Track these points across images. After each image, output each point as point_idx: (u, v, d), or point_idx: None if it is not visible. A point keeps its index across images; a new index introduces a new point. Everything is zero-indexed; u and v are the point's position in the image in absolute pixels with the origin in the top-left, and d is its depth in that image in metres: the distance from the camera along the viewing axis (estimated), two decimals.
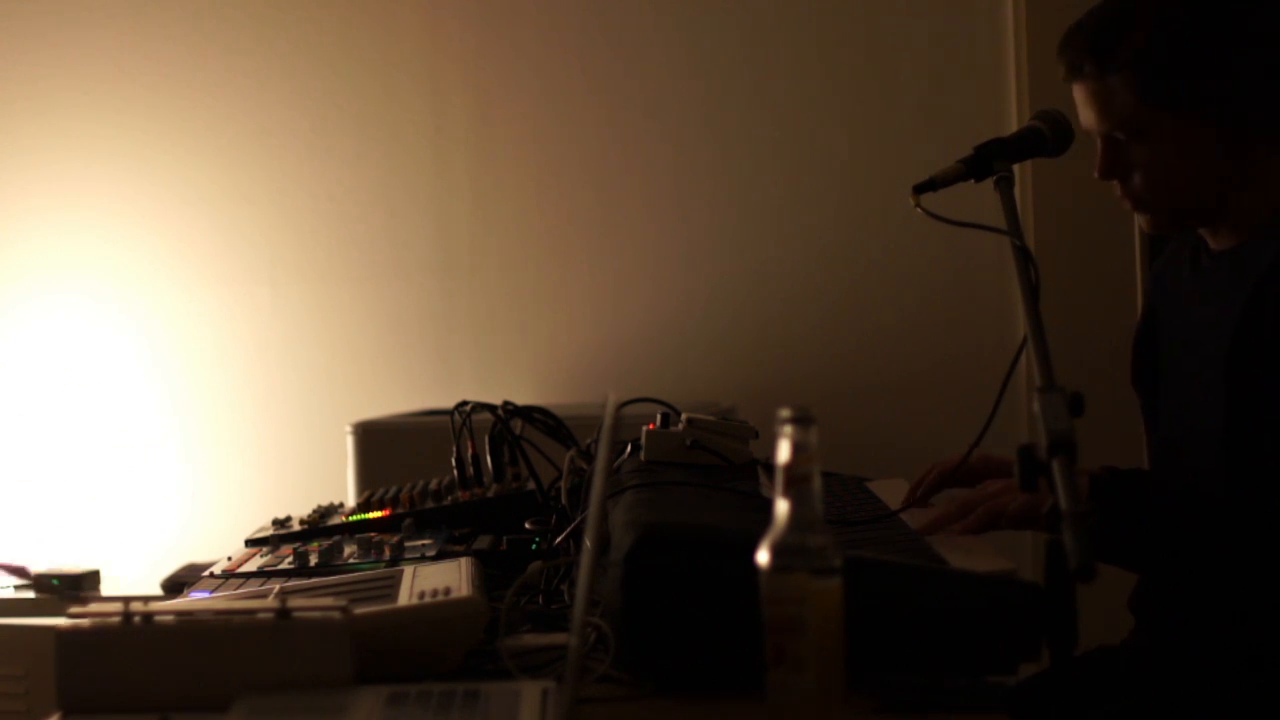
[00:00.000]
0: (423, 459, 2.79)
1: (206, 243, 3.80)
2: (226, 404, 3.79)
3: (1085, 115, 2.09)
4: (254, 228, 3.79)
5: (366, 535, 2.26)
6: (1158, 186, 2.07)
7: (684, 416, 2.25)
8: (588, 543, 1.38)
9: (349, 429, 3.18)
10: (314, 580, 1.95)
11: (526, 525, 2.22)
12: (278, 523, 2.47)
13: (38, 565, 3.45)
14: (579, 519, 2.04)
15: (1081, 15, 2.11)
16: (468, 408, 2.47)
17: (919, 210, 1.99)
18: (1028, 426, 3.22)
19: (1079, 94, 2.09)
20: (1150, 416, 2.26)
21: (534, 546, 2.15)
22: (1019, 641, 1.54)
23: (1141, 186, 2.07)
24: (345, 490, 3.13)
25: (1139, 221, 2.16)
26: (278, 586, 1.91)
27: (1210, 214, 2.10)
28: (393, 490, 2.49)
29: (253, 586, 2.00)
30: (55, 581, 3.38)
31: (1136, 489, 2.07)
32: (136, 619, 1.48)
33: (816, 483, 1.33)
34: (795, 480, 1.33)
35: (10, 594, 3.38)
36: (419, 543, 2.17)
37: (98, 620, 1.49)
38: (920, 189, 2.02)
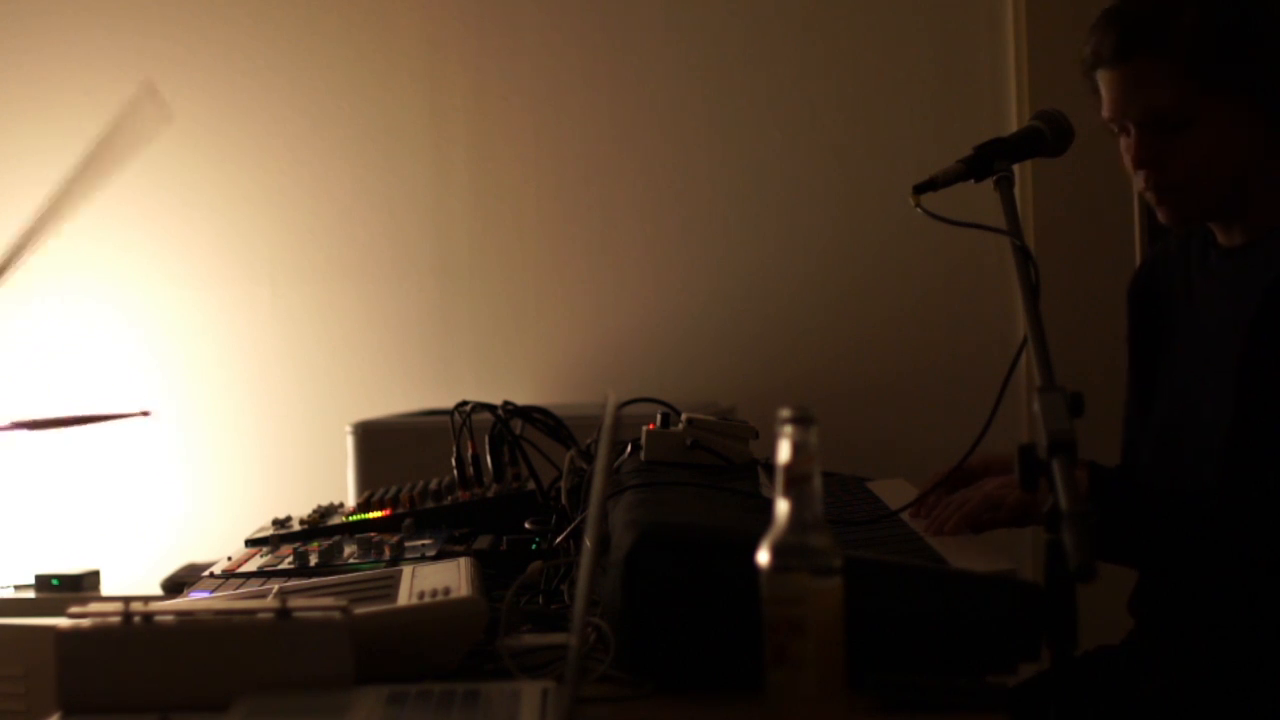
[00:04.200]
0: (423, 459, 2.79)
1: (206, 243, 3.80)
2: (227, 404, 3.79)
3: (1121, 102, 2.07)
4: (254, 228, 3.79)
5: (366, 535, 2.26)
6: (1201, 173, 2.06)
7: (684, 416, 2.25)
8: (588, 543, 1.38)
9: (349, 429, 3.18)
10: (314, 580, 1.95)
11: (526, 525, 2.22)
12: (278, 523, 2.47)
13: (38, 565, 3.45)
14: (579, 519, 2.04)
15: (1105, 6, 2.10)
16: (468, 408, 2.47)
17: (919, 210, 1.99)
18: (1028, 426, 3.22)
19: (1116, 79, 2.07)
20: (1140, 393, 2.26)
21: (534, 546, 2.15)
22: (1019, 641, 1.54)
23: (1183, 174, 2.06)
24: (345, 490, 3.14)
25: (1159, 213, 2.13)
26: (278, 586, 1.91)
27: (1236, 206, 2.09)
28: (393, 490, 2.49)
29: (253, 586, 2.00)
30: (55, 581, 3.38)
31: (1134, 485, 2.07)
32: (136, 619, 1.48)
33: (817, 483, 1.33)
34: (795, 480, 1.33)
35: (10, 594, 3.38)
36: (419, 543, 2.17)
37: (98, 620, 1.49)
38: (920, 189, 2.01)
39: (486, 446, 2.46)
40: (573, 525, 2.05)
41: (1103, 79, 2.09)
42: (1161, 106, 2.04)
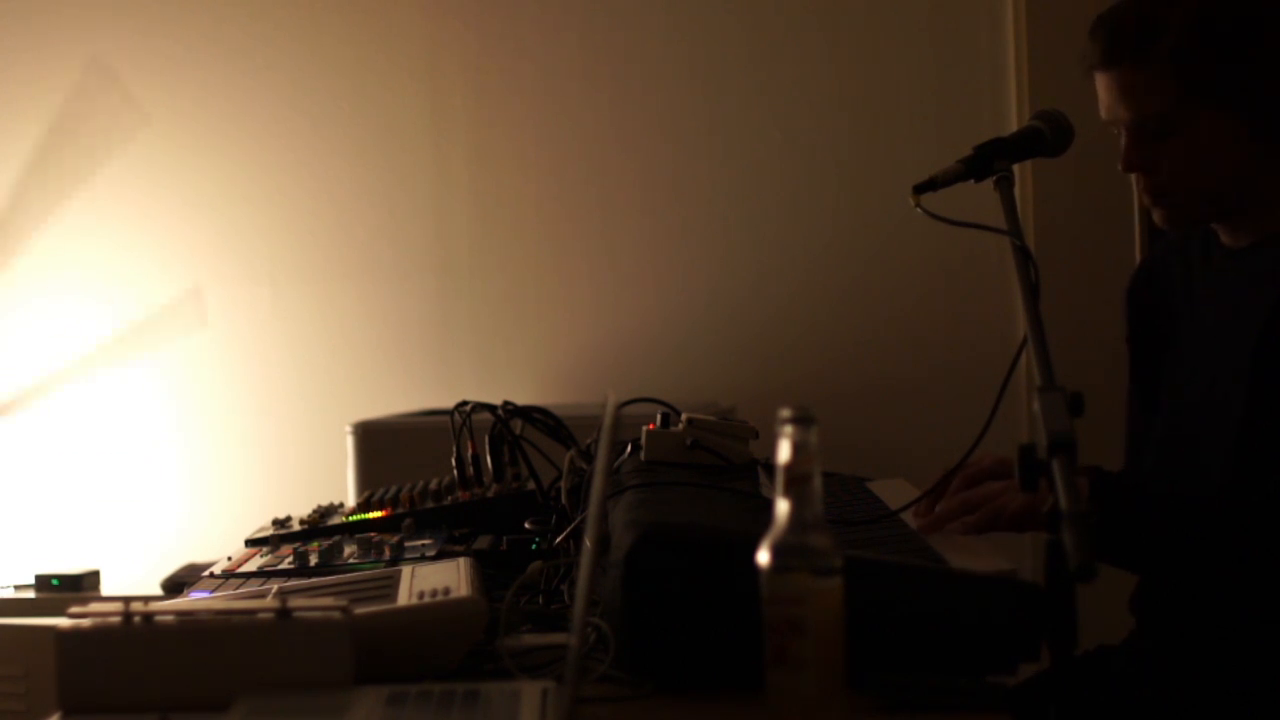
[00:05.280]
0: (423, 459, 2.79)
1: (206, 243, 3.80)
2: (227, 404, 3.79)
3: (1112, 106, 2.08)
4: (254, 228, 3.79)
5: (366, 535, 2.26)
6: (1188, 179, 2.06)
7: (684, 416, 2.25)
8: (588, 543, 1.37)
9: (349, 429, 3.18)
10: (314, 580, 1.95)
11: (526, 525, 2.22)
12: (278, 523, 2.47)
13: (38, 565, 3.45)
14: (579, 519, 2.04)
15: (1103, 8, 2.10)
16: (468, 408, 2.46)
17: (919, 210, 1.99)
18: (1028, 426, 3.22)
19: (1107, 83, 2.07)
20: (1142, 394, 2.26)
21: (534, 546, 2.15)
22: (1019, 641, 1.54)
23: (1170, 179, 2.07)
24: (345, 490, 3.14)
25: (1155, 216, 2.14)
26: (277, 586, 1.91)
27: (1230, 210, 2.09)
28: (393, 490, 2.49)
29: (253, 586, 2.00)
30: (55, 581, 3.38)
31: (1138, 490, 2.06)
32: (136, 619, 1.48)
33: (817, 483, 1.33)
34: (795, 480, 1.33)
35: (10, 594, 3.39)
36: (419, 543, 2.17)
37: (98, 620, 1.49)
38: (920, 189, 2.01)
39: (486, 446, 2.46)
40: (573, 525, 2.05)
41: (1097, 81, 2.09)
42: (1146, 114, 2.05)
